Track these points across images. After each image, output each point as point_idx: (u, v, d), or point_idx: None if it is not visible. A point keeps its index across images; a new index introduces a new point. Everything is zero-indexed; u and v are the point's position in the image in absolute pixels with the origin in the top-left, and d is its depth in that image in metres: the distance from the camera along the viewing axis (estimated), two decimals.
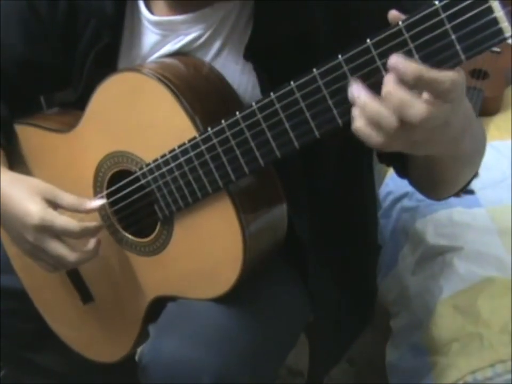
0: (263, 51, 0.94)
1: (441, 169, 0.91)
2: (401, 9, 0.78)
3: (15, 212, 1.02)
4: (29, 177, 1.09)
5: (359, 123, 0.72)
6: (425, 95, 0.69)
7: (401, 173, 1.03)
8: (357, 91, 0.72)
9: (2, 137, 1.13)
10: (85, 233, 1.01)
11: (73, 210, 1.02)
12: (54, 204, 1.02)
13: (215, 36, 0.98)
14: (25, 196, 1.02)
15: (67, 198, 1.02)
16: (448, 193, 1.03)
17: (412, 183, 1.04)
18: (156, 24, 1.02)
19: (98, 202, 1.03)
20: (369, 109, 0.71)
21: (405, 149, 0.74)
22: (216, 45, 0.99)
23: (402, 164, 0.99)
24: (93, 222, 1.03)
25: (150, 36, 1.03)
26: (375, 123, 0.70)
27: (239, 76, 0.99)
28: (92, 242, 1.02)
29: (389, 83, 0.69)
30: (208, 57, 0.99)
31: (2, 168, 1.09)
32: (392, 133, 0.70)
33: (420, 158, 0.91)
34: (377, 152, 1.03)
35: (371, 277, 1.27)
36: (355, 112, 0.72)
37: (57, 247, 1.01)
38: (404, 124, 0.69)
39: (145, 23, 1.03)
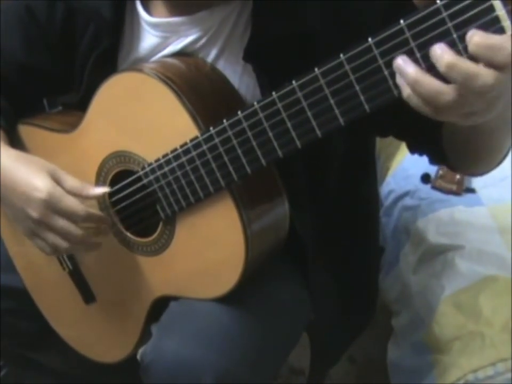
0: (261, 52, 0.94)
1: (485, 136, 0.88)
2: (401, 8, 0.78)
3: (20, 187, 1.00)
4: (34, 156, 1.07)
5: (413, 101, 0.70)
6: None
7: (437, 158, 1.00)
8: (404, 64, 0.69)
9: (3, 119, 1.12)
10: (89, 219, 1.00)
11: (75, 194, 1.00)
12: (58, 183, 1.00)
13: (215, 38, 0.99)
14: (32, 171, 1.01)
15: (70, 181, 1.01)
16: (489, 165, 0.98)
17: (451, 164, 0.99)
18: (155, 26, 1.02)
19: (100, 189, 1.02)
20: (422, 85, 0.68)
21: (459, 119, 0.71)
22: (217, 47, 0.99)
23: (436, 149, 0.96)
24: (98, 212, 1.03)
25: (149, 38, 1.03)
26: (431, 101, 0.68)
27: (239, 77, 0.99)
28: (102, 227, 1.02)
29: (449, 55, 0.66)
30: (209, 59, 1.00)
31: (4, 146, 1.08)
32: (450, 105, 0.68)
33: (464, 129, 0.86)
34: (408, 143, 1.02)
35: (372, 277, 1.27)
36: (406, 89, 0.70)
37: (63, 222, 0.99)
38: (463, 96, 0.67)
39: (144, 25, 1.03)
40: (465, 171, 1.04)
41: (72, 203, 0.98)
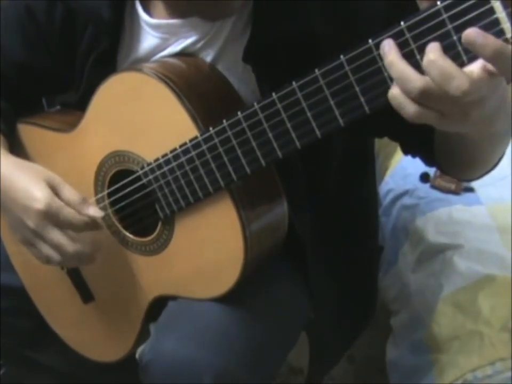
0: (261, 53, 0.94)
1: (474, 149, 0.88)
2: (402, 9, 0.78)
3: (18, 196, 1.00)
4: (33, 164, 1.07)
5: (394, 90, 0.70)
6: (474, 66, 0.67)
7: (429, 161, 1.01)
8: (388, 47, 0.70)
9: (3, 122, 1.12)
10: (87, 228, 1.00)
11: (71, 206, 1.00)
12: (56, 193, 1.00)
13: (214, 39, 0.98)
14: (30, 180, 1.01)
15: (68, 192, 1.01)
16: (481, 173, 0.99)
17: (442, 168, 1.00)
18: (155, 27, 1.01)
19: (97, 212, 1.01)
20: (395, 68, 0.69)
21: (436, 122, 0.71)
22: (216, 48, 0.99)
23: (428, 152, 0.97)
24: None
25: (149, 39, 1.03)
26: (401, 85, 0.69)
27: (239, 78, 0.99)
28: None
29: (434, 52, 0.67)
30: (208, 60, 1.00)
31: (4, 152, 1.08)
32: (418, 98, 0.68)
33: (452, 139, 0.87)
34: (401, 145, 1.03)
35: (372, 277, 1.27)
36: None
37: (58, 236, 0.99)
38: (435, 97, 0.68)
39: (144, 26, 1.03)
40: (456, 176, 1.05)
41: (70, 214, 0.98)
